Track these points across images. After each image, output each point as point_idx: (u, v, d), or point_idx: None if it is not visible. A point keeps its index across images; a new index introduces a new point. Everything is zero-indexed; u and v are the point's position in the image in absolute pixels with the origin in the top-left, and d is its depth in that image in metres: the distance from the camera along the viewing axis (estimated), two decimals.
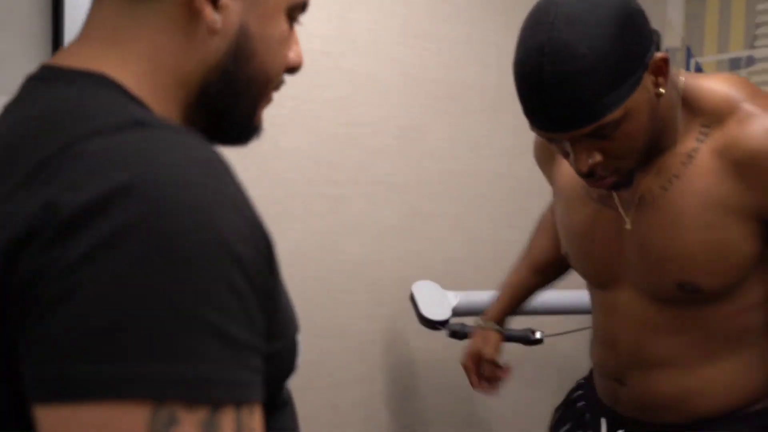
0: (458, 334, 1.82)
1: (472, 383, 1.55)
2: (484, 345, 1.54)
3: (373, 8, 2.06)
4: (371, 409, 2.11)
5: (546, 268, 1.56)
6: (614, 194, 1.21)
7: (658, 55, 1.06)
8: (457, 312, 1.90)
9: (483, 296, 1.93)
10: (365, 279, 2.09)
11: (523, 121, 2.29)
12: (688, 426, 1.20)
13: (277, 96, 1.93)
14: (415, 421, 2.18)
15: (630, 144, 1.07)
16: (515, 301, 1.57)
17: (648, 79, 1.06)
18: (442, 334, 2.07)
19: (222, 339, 0.53)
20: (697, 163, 1.12)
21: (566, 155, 1.11)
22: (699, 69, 2.47)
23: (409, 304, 2.04)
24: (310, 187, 2.00)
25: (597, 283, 1.29)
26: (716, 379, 1.18)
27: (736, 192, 1.08)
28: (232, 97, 0.72)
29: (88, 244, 0.51)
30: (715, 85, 1.13)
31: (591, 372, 1.43)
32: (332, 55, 2.01)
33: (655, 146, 1.12)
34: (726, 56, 2.39)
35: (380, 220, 2.10)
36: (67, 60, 0.66)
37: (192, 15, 0.67)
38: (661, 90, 1.07)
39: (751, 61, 2.31)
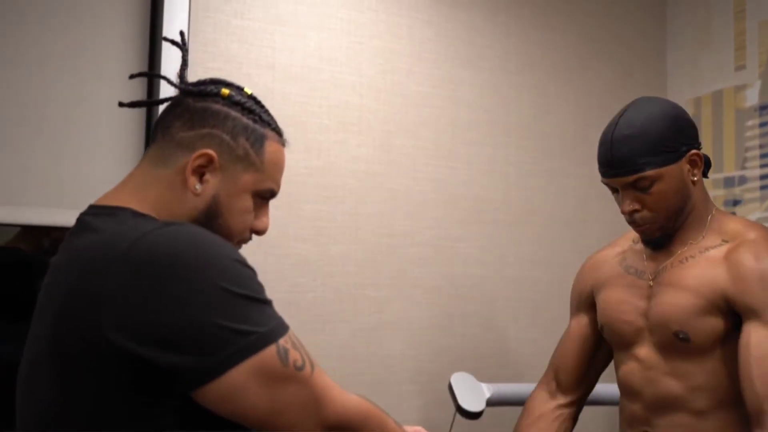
0: None
1: None
2: None
3: (409, 134, 2.37)
4: None
5: None
6: (645, 266, 1.56)
7: (694, 151, 1.48)
8: (490, 402, 2.06)
9: (514, 388, 2.08)
10: (405, 372, 2.30)
11: (541, 234, 2.55)
12: None
13: (328, 210, 2.22)
14: None
15: (661, 202, 1.46)
16: None
17: (684, 164, 1.48)
18: (476, 423, 2.25)
19: (268, 309, 0.97)
20: (708, 255, 1.48)
21: (619, 203, 1.53)
22: None
23: (444, 395, 2.24)
24: (357, 289, 2.26)
25: (624, 344, 1.58)
26: (718, 427, 1.43)
27: (721, 279, 1.44)
28: None
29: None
30: (738, 224, 1.53)
31: None
32: (376, 175, 2.31)
33: (680, 218, 1.50)
34: (721, 176, 2.67)
35: (417, 320, 2.34)
36: (108, 201, 1.07)
37: (184, 182, 1.07)
38: (694, 178, 1.49)
39: (743, 180, 2.59)
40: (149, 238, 0.94)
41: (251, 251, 2.11)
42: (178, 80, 1.12)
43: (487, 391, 2.04)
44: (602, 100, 2.71)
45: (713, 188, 2.68)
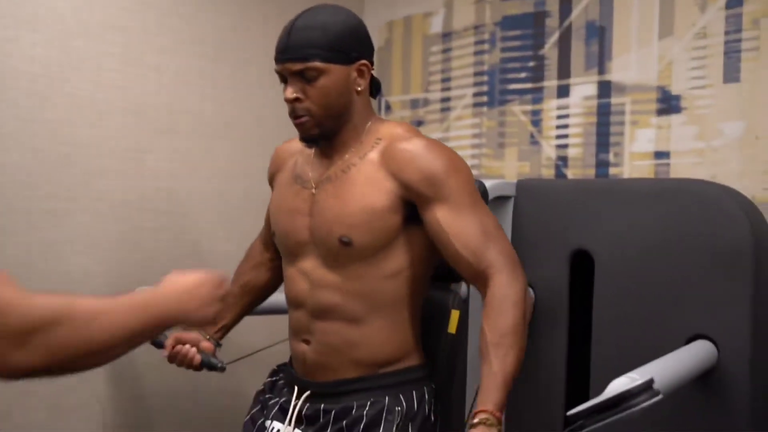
0: (156, 342, 1.80)
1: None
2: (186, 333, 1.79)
3: (94, 36, 2.19)
4: (93, 411, 2.21)
5: (248, 289, 1.91)
6: (310, 176, 1.62)
7: (364, 61, 1.56)
8: None
9: None
10: (90, 289, 2.18)
11: (236, 148, 2.53)
12: (345, 382, 1.55)
13: None
14: (137, 422, 2.32)
15: (323, 97, 1.53)
16: (226, 318, 1.86)
17: (352, 71, 1.56)
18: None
19: None
20: (368, 159, 1.55)
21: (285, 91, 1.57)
22: (388, 106, 2.89)
23: None
24: (31, 201, 2.08)
25: (292, 254, 1.64)
26: (370, 335, 1.54)
27: (386, 176, 1.53)
28: None
29: None
30: (389, 125, 1.63)
31: (290, 358, 1.72)
32: (55, 79, 2.11)
33: (339, 123, 1.57)
34: (408, 97, 2.84)
35: (103, 235, 2.23)
36: None
37: None
38: (359, 88, 1.56)
39: (426, 102, 2.78)
40: None
41: None
42: None
43: None
44: None
45: (401, 109, 2.84)
